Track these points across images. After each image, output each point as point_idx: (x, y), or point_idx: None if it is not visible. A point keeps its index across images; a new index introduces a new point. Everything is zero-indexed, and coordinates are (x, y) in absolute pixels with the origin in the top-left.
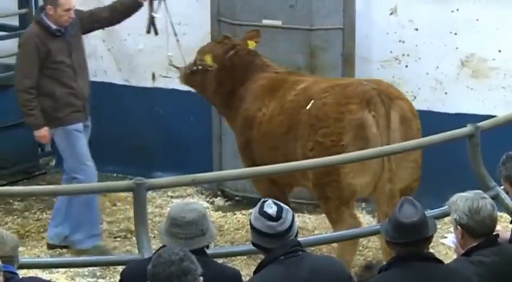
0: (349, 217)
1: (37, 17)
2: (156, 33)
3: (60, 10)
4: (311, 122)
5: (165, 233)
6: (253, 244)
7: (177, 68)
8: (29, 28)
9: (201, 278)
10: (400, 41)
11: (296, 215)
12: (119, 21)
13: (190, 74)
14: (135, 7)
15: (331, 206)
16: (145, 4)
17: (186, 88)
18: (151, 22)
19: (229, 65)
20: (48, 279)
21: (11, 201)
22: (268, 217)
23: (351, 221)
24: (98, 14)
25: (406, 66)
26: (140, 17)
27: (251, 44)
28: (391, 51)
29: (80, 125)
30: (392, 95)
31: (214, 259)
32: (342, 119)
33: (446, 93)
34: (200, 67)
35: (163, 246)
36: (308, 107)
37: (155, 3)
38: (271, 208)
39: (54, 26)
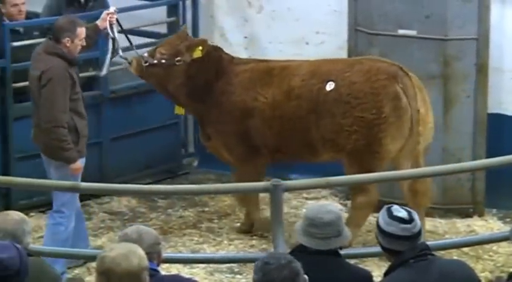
0: (373, 186)
1: (52, 50)
2: (118, 53)
3: (77, 40)
4: (345, 100)
5: (302, 233)
6: (383, 248)
7: (126, 58)
8: (52, 62)
9: (306, 277)
10: None
11: (427, 219)
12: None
13: (148, 67)
14: (96, 35)
15: None
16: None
17: None
18: (114, 44)
19: (200, 60)
20: (189, 273)
21: (156, 198)
22: (401, 220)
23: (374, 190)
24: None
25: None
26: (281, 26)
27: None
28: None
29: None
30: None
31: (347, 260)
32: (378, 94)
33: None
34: (164, 61)
35: (299, 245)
36: (329, 89)
37: (114, 26)
38: (400, 212)
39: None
